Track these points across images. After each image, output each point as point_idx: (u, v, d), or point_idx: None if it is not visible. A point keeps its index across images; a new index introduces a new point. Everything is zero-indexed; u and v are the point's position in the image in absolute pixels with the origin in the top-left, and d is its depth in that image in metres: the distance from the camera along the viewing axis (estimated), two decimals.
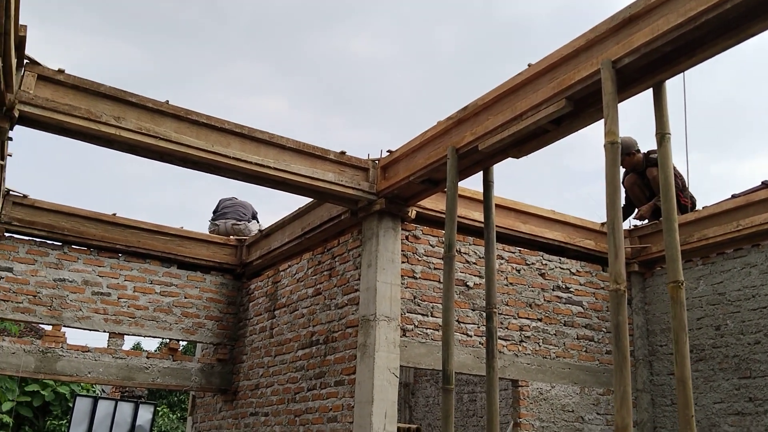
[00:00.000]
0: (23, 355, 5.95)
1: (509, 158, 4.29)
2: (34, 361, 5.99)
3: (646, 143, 7.03)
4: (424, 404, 8.85)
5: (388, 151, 5.09)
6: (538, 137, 4.06)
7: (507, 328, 5.56)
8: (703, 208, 5.97)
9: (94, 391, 18.15)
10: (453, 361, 4.03)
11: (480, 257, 5.60)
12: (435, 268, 5.38)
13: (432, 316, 5.28)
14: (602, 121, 3.38)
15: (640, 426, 5.84)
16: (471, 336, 5.38)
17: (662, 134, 3.29)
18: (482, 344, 5.40)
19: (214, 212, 7.98)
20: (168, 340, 6.68)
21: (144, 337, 6.56)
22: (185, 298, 6.78)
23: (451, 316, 4.09)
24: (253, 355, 6.59)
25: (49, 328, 6.24)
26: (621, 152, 6.54)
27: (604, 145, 3.32)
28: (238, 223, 7.67)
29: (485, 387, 7.74)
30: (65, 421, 16.33)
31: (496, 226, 5.00)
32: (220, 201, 8.08)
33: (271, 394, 6.09)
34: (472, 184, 5.33)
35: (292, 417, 5.66)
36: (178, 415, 22.04)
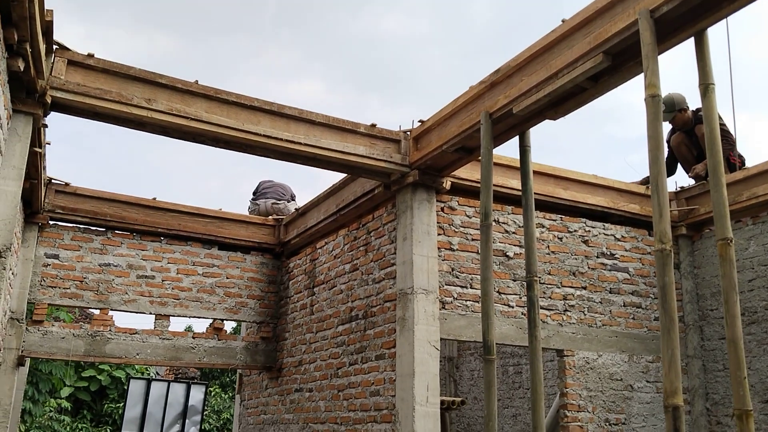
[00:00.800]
0: (73, 339, 6.09)
1: (546, 121, 4.15)
2: (83, 345, 6.12)
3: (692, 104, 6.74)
4: (469, 378, 8.80)
5: (419, 122, 5.00)
6: (575, 96, 3.91)
7: (550, 297, 5.44)
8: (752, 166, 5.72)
9: (148, 374, 18.63)
10: (493, 331, 3.95)
11: (519, 226, 5.48)
12: (473, 239, 5.28)
13: (471, 287, 5.19)
14: (642, 76, 3.23)
15: (691, 392, 5.68)
16: (513, 307, 5.28)
17: (706, 85, 3.12)
18: (524, 315, 5.30)
19: (254, 193, 8.02)
20: (213, 320, 6.75)
21: (189, 317, 6.64)
22: (227, 278, 6.84)
23: (489, 286, 4.00)
24: (295, 332, 6.62)
25: (96, 312, 6.37)
26: (671, 108, 6.35)
27: (645, 99, 3.17)
28: (278, 202, 7.69)
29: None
30: (122, 403, 16.83)
31: (536, 193, 4.88)
32: (259, 183, 8.11)
33: (314, 370, 6.11)
34: (509, 151, 5.21)
35: (335, 392, 5.67)
36: (230, 394, 22.50)
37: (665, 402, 2.70)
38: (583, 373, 5.37)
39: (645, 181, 6.10)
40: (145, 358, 6.34)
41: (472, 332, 5.06)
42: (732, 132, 6.30)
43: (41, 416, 14.42)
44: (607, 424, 5.33)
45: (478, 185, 5.02)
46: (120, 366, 19.16)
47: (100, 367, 19.18)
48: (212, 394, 21.64)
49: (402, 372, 4.79)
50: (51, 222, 6.27)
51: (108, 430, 18.62)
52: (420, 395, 4.64)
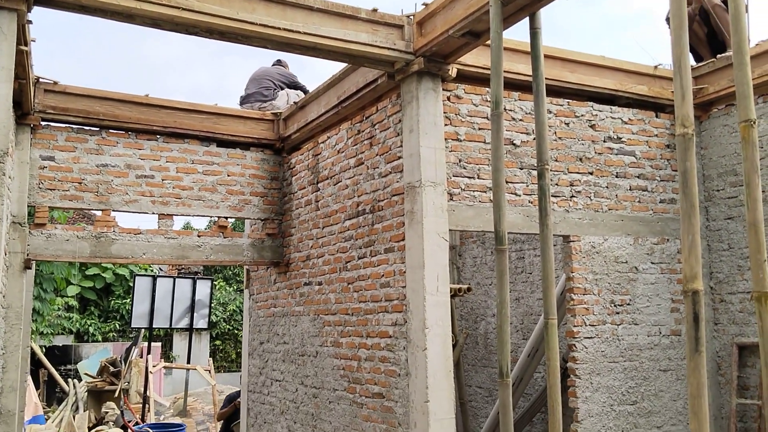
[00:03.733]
0: (77, 241, 6.08)
1: (556, 0, 3.94)
2: (88, 246, 6.12)
3: None
4: (472, 264, 8.94)
5: (423, 5, 4.75)
6: None
7: (557, 184, 5.40)
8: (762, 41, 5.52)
9: (152, 271, 18.95)
10: (505, 222, 3.92)
11: (527, 113, 5.36)
12: (480, 129, 5.17)
13: (479, 178, 5.14)
14: None
15: None
16: (520, 195, 5.25)
17: None
18: (531, 203, 5.28)
19: (241, 98, 7.76)
20: (216, 218, 6.73)
21: (192, 216, 6.62)
22: (228, 176, 6.75)
23: (501, 177, 3.93)
24: (301, 228, 6.63)
25: (98, 213, 6.32)
26: None
27: None
28: (264, 103, 7.45)
29: (534, 244, 7.73)
30: (128, 300, 17.23)
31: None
32: (248, 81, 7.82)
33: (322, 264, 6.16)
34: (514, 35, 4.99)
35: (345, 284, 5.74)
36: (234, 287, 23.03)
37: (685, 287, 2.70)
38: (589, 257, 5.42)
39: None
40: (151, 257, 6.36)
41: (479, 222, 5.05)
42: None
43: (49, 314, 14.76)
44: (612, 305, 5.45)
45: (485, 71, 4.85)
46: (124, 264, 19.47)
47: (104, 265, 19.48)
48: (217, 287, 22.13)
49: (412, 264, 4.81)
50: (43, 123, 6.09)
51: (116, 324, 19.19)
52: (430, 285, 4.68)
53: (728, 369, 5.60)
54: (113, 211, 6.27)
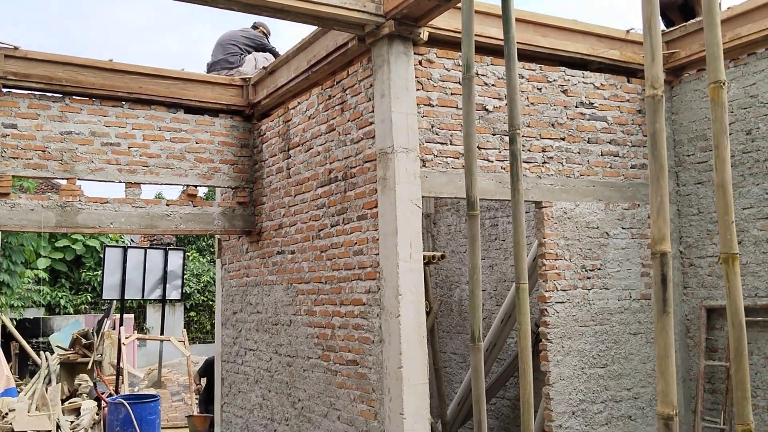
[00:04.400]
0: (42, 210, 5.94)
1: None
2: (54, 216, 5.98)
3: None
4: (446, 232, 8.95)
5: None
6: None
7: (529, 150, 5.38)
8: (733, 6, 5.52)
9: (123, 242, 18.72)
10: (477, 187, 3.89)
11: (499, 78, 5.31)
12: (452, 94, 5.11)
13: (451, 144, 5.09)
14: None
15: None
16: (492, 161, 5.22)
17: None
18: (504, 169, 5.26)
19: (208, 65, 7.59)
20: (186, 187, 6.62)
21: (161, 185, 6.51)
22: (197, 143, 6.63)
23: (473, 142, 3.89)
24: (272, 196, 6.55)
25: (63, 182, 6.17)
26: None
27: None
28: (230, 71, 7.29)
29: (507, 211, 7.74)
30: (99, 272, 17.01)
31: (516, 42, 4.65)
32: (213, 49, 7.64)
33: (295, 233, 6.11)
34: None
35: (318, 253, 5.70)
36: (208, 258, 22.87)
37: (653, 249, 2.70)
38: (560, 223, 5.44)
39: None
40: (119, 227, 6.24)
41: (452, 189, 5.02)
42: None
43: (19, 287, 14.54)
44: (584, 270, 5.48)
45: (457, 35, 4.78)
46: (93, 235, 19.20)
47: (73, 237, 19.20)
48: (190, 258, 21.97)
49: (385, 231, 4.78)
50: (4, 90, 5.90)
51: (88, 297, 18.98)
52: (404, 252, 4.66)
53: (697, 332, 5.70)
54: (78, 179, 6.13)
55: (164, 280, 12.71)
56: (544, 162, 5.42)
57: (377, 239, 4.88)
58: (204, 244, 24.87)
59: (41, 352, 13.46)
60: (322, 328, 5.58)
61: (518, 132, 4.02)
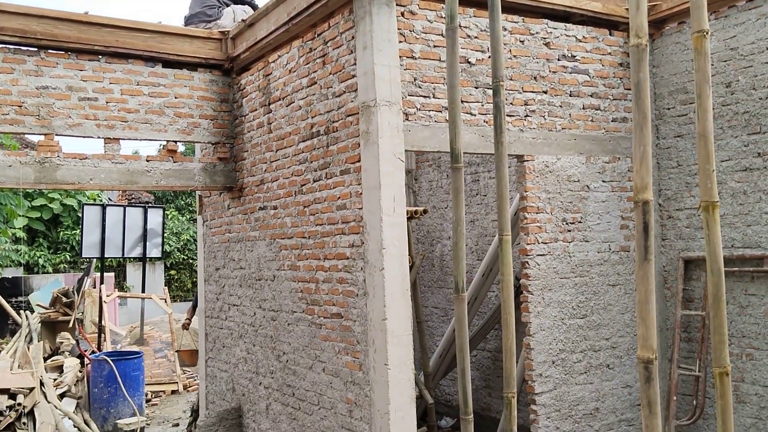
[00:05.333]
0: (20, 167, 5.86)
1: None
2: (32, 172, 5.90)
3: None
4: (428, 188, 8.97)
5: None
6: None
7: (512, 103, 5.38)
8: None
9: (101, 200, 18.55)
10: (460, 140, 3.90)
11: (482, 30, 5.27)
12: (435, 46, 5.07)
13: (434, 97, 5.08)
14: None
15: None
16: (475, 115, 5.22)
17: None
18: (487, 123, 5.27)
19: (185, 19, 7.44)
20: (166, 142, 6.54)
21: (140, 140, 6.41)
22: (176, 98, 6.54)
23: (456, 94, 3.88)
24: (254, 152, 6.50)
25: (41, 138, 6.06)
26: None
27: None
28: (208, 25, 7.16)
29: (489, 167, 7.77)
30: (78, 230, 16.89)
31: None
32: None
33: (277, 188, 6.09)
34: None
35: (301, 208, 5.70)
36: (187, 217, 22.76)
37: (635, 197, 2.74)
38: (542, 176, 5.48)
39: None
40: (99, 183, 6.18)
41: (435, 143, 5.03)
42: None
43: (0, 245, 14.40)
44: (564, 223, 5.56)
45: None
46: (71, 193, 18.98)
47: (50, 195, 18.97)
48: (169, 217, 21.85)
49: (368, 185, 4.79)
50: None
51: (67, 256, 18.86)
52: (387, 206, 4.68)
53: (674, 282, 5.82)
54: (56, 135, 6.03)
55: (144, 238, 12.66)
56: (527, 115, 5.43)
57: (360, 193, 4.89)
58: (183, 203, 24.72)
59: (21, 311, 13.41)
60: (306, 283, 5.62)
61: (502, 84, 4.01)
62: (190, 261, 20.73)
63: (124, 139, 6.32)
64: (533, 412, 5.33)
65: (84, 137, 6.16)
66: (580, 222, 5.62)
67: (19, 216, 17.50)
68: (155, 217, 12.89)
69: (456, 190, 3.87)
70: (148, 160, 6.43)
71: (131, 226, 12.57)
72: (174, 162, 6.54)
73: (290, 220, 5.87)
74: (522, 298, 5.42)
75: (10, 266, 17.48)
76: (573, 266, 5.56)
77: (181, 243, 20.98)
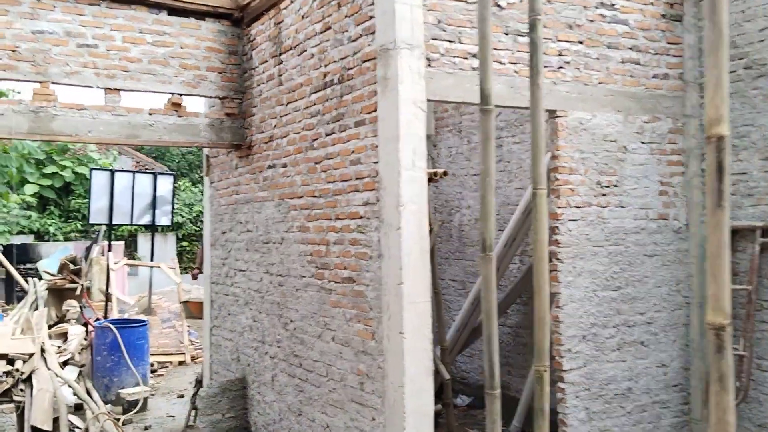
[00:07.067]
0: (12, 115, 5.47)
1: None
2: (26, 121, 5.51)
3: None
4: (447, 155, 8.51)
5: None
6: None
7: (545, 53, 4.88)
8: None
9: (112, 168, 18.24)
10: (491, 81, 3.45)
11: None
12: None
13: (460, 42, 4.61)
14: None
15: (686, 153, 5.41)
16: (504, 63, 4.75)
17: None
18: (517, 73, 4.79)
19: None
20: (170, 95, 6.12)
21: (142, 92, 6.00)
22: (181, 48, 6.11)
23: (487, 29, 3.43)
24: (263, 107, 6.07)
25: (37, 86, 5.66)
26: None
27: None
28: None
29: (513, 131, 7.27)
30: (88, 199, 16.61)
31: None
32: None
33: (287, 144, 5.67)
34: None
35: (312, 165, 5.27)
36: (200, 189, 22.45)
37: (708, 132, 2.29)
38: (576, 134, 5.01)
39: None
40: (98, 136, 5.78)
41: (460, 92, 4.56)
42: None
43: (4, 212, 14.13)
44: (599, 186, 5.09)
45: None
46: (83, 161, 18.70)
47: (61, 163, 18.71)
48: (182, 188, 21.55)
49: (385, 137, 4.35)
50: None
51: (77, 224, 18.63)
52: (406, 159, 4.24)
53: None
54: (53, 83, 5.64)
55: (153, 205, 12.30)
56: (560, 67, 4.95)
57: (376, 146, 4.45)
58: (197, 177, 24.43)
59: (29, 278, 13.16)
60: (316, 245, 5.21)
61: (539, 19, 3.54)
62: (202, 233, 20.44)
63: (125, 90, 5.91)
64: (561, 390, 4.91)
65: (82, 86, 5.76)
66: (615, 186, 5.15)
67: (29, 183, 17.26)
68: (165, 184, 12.52)
69: (486, 135, 3.43)
70: (150, 114, 6.02)
71: (140, 192, 12.21)
72: (179, 116, 6.13)
73: (300, 178, 5.45)
74: (551, 267, 4.96)
75: (22, 233, 17.26)
76: (607, 233, 5.10)
77: (194, 214, 20.69)
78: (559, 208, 4.93)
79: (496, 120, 7.47)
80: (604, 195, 5.10)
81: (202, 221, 20.81)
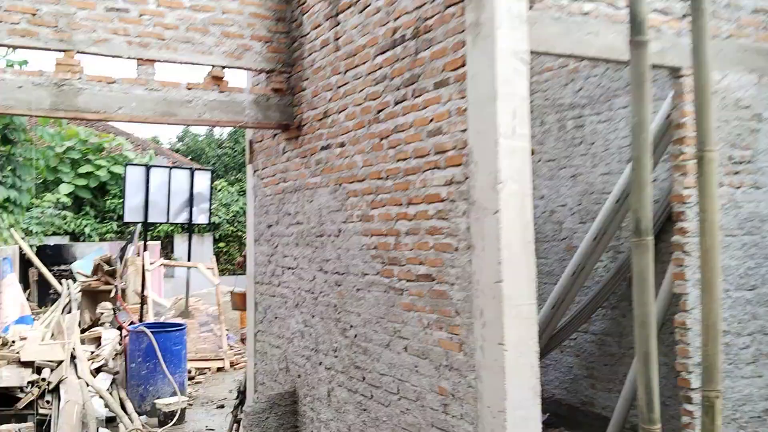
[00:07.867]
0: (32, 89, 4.74)
1: None
2: (47, 96, 4.79)
3: None
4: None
5: None
6: None
7: None
8: None
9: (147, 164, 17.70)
10: (644, 6, 2.57)
11: None
12: None
13: None
14: None
15: None
16: (620, 8, 3.85)
17: None
18: None
19: None
20: (211, 68, 5.35)
21: (180, 63, 5.24)
22: (223, 14, 5.34)
23: None
24: (315, 79, 5.27)
25: (60, 56, 4.94)
26: None
27: None
28: None
29: (597, 108, 6.31)
30: (122, 197, 16.06)
31: None
32: None
33: (345, 120, 4.85)
34: None
35: (376, 141, 4.44)
36: (237, 188, 21.84)
37: None
38: None
39: None
40: (129, 113, 5.03)
41: (569, 43, 3.68)
42: None
43: (31, 205, 13.56)
44: (731, 162, 4.16)
45: None
46: (118, 161, 18.21)
47: (96, 163, 18.24)
48: (218, 188, 20.98)
49: (477, 97, 3.49)
50: None
51: (113, 225, 18.13)
52: (505, 125, 3.37)
53: None
54: (78, 52, 4.90)
55: (191, 202, 11.63)
56: (685, 15, 4.03)
57: (464, 111, 3.59)
58: (234, 178, 23.89)
59: (63, 280, 12.60)
60: (383, 237, 4.37)
61: None
62: (239, 234, 19.81)
63: (160, 60, 5.15)
64: (687, 413, 3.98)
65: (112, 56, 5.01)
66: (749, 162, 4.21)
67: (64, 183, 16.80)
68: (203, 180, 11.85)
69: (639, 76, 2.54)
70: (189, 88, 5.25)
71: (177, 189, 11.55)
72: (220, 92, 5.35)
73: (361, 158, 4.62)
74: (675, 262, 4.06)
75: (57, 234, 16.81)
76: (740, 220, 4.16)
77: (231, 215, 20.08)
78: (685, 188, 4.01)
79: (576, 95, 6.56)
80: (736, 173, 4.16)
81: (238, 221, 20.21)
